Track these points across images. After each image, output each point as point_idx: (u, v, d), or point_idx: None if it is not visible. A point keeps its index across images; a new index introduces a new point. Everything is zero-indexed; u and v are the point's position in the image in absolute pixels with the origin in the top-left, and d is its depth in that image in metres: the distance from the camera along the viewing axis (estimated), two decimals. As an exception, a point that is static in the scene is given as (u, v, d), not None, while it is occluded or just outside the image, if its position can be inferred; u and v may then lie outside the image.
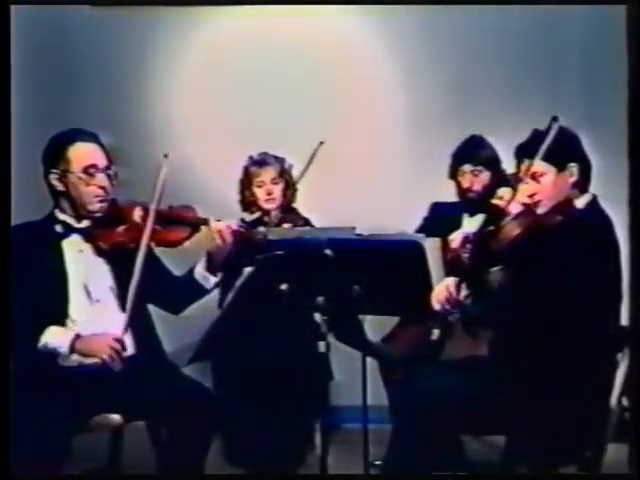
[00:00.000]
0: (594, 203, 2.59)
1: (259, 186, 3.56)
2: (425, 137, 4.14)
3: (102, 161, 2.69)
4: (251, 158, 3.61)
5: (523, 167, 2.61)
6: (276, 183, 3.55)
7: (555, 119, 2.54)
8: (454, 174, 3.54)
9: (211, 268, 2.77)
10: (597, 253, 2.43)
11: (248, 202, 3.59)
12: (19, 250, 2.55)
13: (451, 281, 2.62)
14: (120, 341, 2.53)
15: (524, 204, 2.62)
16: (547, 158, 2.55)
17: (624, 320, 2.61)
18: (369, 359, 2.67)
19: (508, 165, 3.39)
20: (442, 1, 4.10)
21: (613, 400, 2.51)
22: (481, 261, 2.58)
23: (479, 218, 3.38)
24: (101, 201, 2.68)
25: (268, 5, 4.14)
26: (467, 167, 3.49)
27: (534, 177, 2.57)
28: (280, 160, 3.59)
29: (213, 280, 2.79)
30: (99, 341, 2.53)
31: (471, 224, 3.44)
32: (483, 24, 4.16)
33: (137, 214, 2.70)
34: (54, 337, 2.54)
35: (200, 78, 4.29)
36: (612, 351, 2.56)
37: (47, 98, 4.13)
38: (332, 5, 4.19)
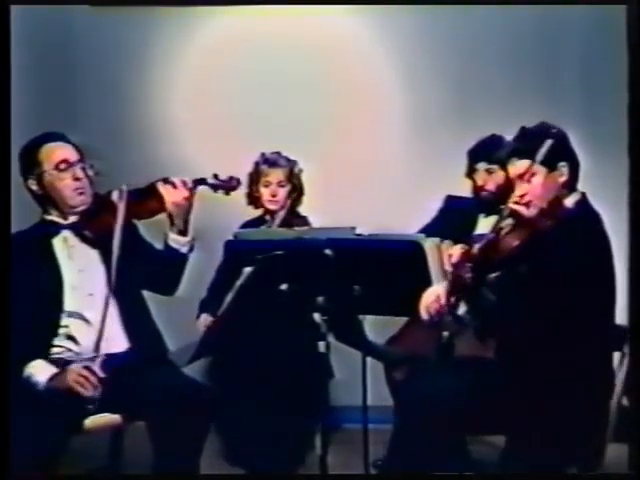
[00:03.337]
0: (583, 201, 2.58)
1: (265, 186, 3.57)
2: (425, 137, 4.14)
3: (73, 156, 2.73)
4: (263, 155, 3.61)
5: (512, 168, 2.59)
6: (282, 186, 3.55)
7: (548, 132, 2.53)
8: (470, 173, 3.52)
9: (177, 228, 2.77)
10: (588, 251, 2.43)
11: (253, 198, 3.61)
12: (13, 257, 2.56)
13: (441, 289, 2.58)
14: (88, 368, 2.53)
15: (514, 206, 2.62)
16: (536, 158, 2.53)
17: (624, 320, 2.61)
18: (369, 359, 2.67)
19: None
20: (442, 1, 4.10)
21: (613, 400, 2.51)
22: (481, 277, 2.55)
23: (493, 219, 3.38)
24: (80, 193, 2.71)
25: (268, 5, 4.14)
26: (481, 165, 3.45)
27: (524, 178, 2.56)
28: (291, 162, 3.58)
29: (184, 240, 2.78)
30: (68, 374, 2.52)
31: (486, 225, 3.43)
32: (483, 24, 4.15)
33: (115, 196, 2.71)
34: (36, 371, 2.54)
35: (200, 77, 4.29)
36: (609, 350, 2.56)
37: (47, 98, 4.13)
38: (332, 5, 4.19)
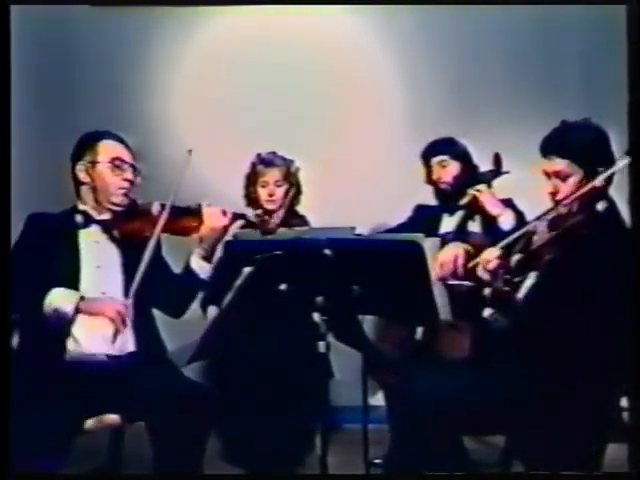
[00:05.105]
0: (611, 208, 2.52)
1: (262, 186, 3.58)
2: (425, 137, 4.12)
3: (128, 158, 2.77)
4: (259, 156, 3.62)
5: (548, 165, 2.50)
6: (279, 185, 3.56)
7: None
8: (428, 176, 3.56)
9: (204, 254, 2.77)
10: (613, 256, 2.38)
11: (251, 199, 3.62)
12: (34, 237, 2.64)
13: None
14: (125, 306, 2.56)
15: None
16: (576, 159, 2.47)
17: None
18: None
19: (484, 163, 3.47)
20: (442, 1, 4.10)
21: (613, 400, 2.51)
22: (512, 284, 2.50)
23: (457, 216, 3.40)
24: (125, 194, 2.73)
25: (268, 5, 4.15)
26: (434, 160, 3.55)
27: (559, 176, 2.49)
28: (288, 162, 3.59)
29: (207, 267, 2.78)
30: (105, 303, 2.58)
31: (450, 223, 3.46)
32: (483, 24, 4.16)
33: (155, 208, 2.72)
34: (58, 298, 2.56)
35: (200, 77, 4.29)
36: (612, 351, 2.55)
37: (47, 98, 4.13)
38: (332, 5, 4.20)
